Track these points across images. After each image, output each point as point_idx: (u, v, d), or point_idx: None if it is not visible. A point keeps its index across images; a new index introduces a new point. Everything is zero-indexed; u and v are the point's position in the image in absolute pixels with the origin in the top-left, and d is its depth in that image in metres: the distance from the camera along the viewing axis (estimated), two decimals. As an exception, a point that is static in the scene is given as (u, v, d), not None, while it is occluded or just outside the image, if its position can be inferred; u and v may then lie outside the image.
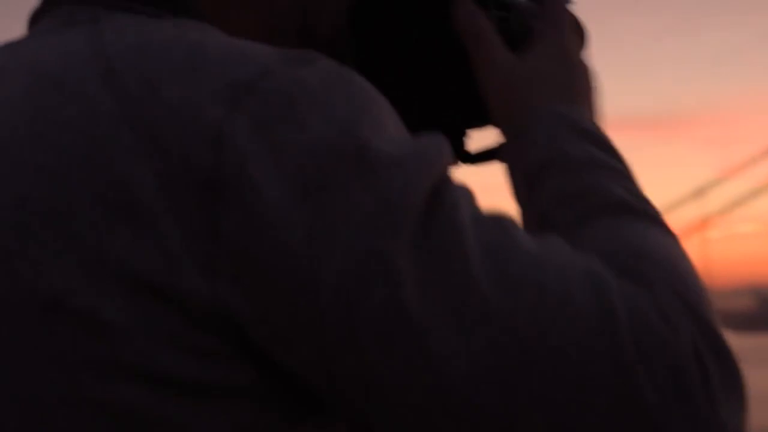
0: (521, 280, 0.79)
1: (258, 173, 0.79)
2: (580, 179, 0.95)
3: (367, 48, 1.09)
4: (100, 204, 0.80)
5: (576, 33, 1.10)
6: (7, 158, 0.85)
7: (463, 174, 1.15)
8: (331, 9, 1.06)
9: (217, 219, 0.79)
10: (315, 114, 0.81)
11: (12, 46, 0.96)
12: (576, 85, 1.06)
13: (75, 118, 0.83)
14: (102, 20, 0.92)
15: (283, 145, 0.80)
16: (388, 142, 0.81)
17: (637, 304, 0.80)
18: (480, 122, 1.11)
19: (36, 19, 0.99)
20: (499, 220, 0.82)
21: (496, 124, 1.05)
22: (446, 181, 0.82)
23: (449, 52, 1.08)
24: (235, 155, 0.80)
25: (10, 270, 0.82)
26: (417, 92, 1.10)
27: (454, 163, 0.86)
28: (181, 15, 0.95)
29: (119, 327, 0.79)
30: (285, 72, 0.82)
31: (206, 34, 0.88)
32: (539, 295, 0.79)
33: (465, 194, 0.83)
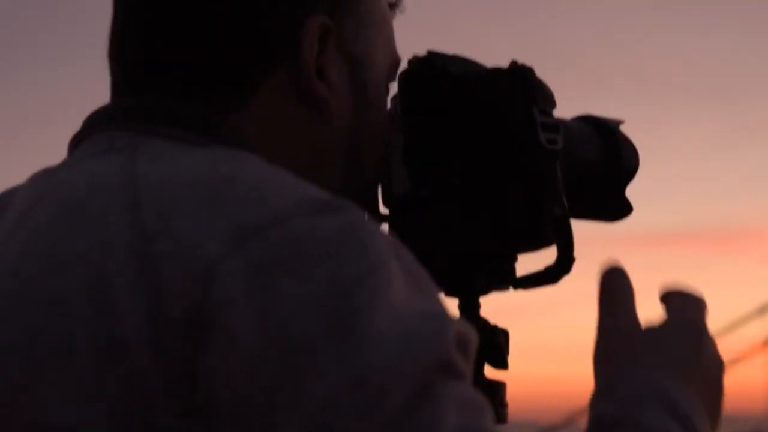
0: None
1: (239, 322, 0.78)
2: None
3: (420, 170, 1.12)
4: (98, 340, 0.81)
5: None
6: (29, 290, 0.86)
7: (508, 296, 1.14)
8: (378, 147, 1.08)
9: (196, 360, 0.79)
10: (321, 268, 0.80)
11: (49, 173, 0.97)
12: (692, 366, 0.98)
13: (90, 250, 0.84)
14: (140, 147, 0.93)
15: (276, 296, 0.79)
16: (384, 315, 0.79)
17: None
18: (529, 247, 1.13)
19: (76, 143, 1.00)
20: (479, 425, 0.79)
21: (595, 367, 1.00)
22: (441, 372, 0.79)
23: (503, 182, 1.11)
24: (222, 299, 0.79)
25: (16, 404, 0.83)
26: (466, 219, 1.12)
27: (463, 342, 0.81)
28: (223, 142, 0.95)
29: None
30: (299, 221, 0.82)
31: (241, 166, 0.88)
32: None
33: (458, 396, 0.79)
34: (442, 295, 0.84)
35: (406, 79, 1.16)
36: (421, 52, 1.15)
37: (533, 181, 1.11)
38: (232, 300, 0.79)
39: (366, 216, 0.86)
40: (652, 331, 1.00)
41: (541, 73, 1.15)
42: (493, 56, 1.18)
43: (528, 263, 1.16)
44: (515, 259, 1.15)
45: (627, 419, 0.91)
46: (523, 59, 1.16)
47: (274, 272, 0.79)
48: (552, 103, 1.14)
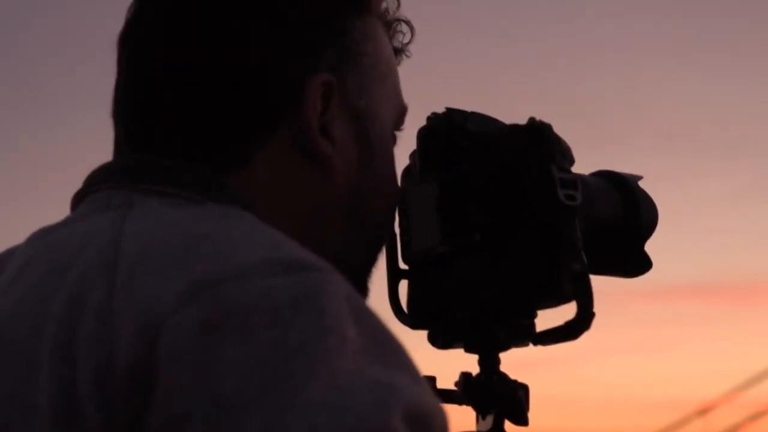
0: None
1: (176, 378, 0.77)
2: None
3: None
4: (60, 400, 0.81)
5: None
6: (12, 354, 0.86)
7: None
8: (383, 199, 1.08)
9: (140, 413, 0.78)
10: (266, 330, 0.78)
11: (46, 232, 0.97)
12: None
13: (65, 311, 0.84)
14: (135, 205, 0.93)
15: (217, 355, 0.77)
16: (323, 381, 0.76)
17: None
18: (548, 303, 1.13)
19: (78, 201, 1.00)
20: None
21: None
22: None
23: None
24: (167, 352, 0.78)
25: None
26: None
27: (415, 416, 0.77)
28: (222, 200, 0.95)
29: None
30: (256, 280, 0.80)
31: (226, 223, 0.88)
32: None
33: None
34: (411, 364, 0.81)
35: (425, 135, 1.16)
36: (439, 108, 1.16)
37: (552, 237, 1.10)
38: (174, 355, 0.78)
39: (336, 278, 0.83)
40: None
41: (559, 127, 1.15)
42: (510, 111, 1.19)
43: (548, 318, 1.16)
44: (535, 314, 1.15)
45: None
46: (541, 114, 1.16)
47: (220, 329, 0.78)
48: (570, 159, 1.14)
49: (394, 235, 1.19)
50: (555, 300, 1.13)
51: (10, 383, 0.85)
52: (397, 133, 1.15)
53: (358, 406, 0.75)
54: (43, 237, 0.97)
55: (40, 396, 0.82)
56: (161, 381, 0.78)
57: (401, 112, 1.13)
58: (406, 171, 1.20)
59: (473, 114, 1.16)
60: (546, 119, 1.15)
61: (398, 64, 1.14)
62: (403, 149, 1.18)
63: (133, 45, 1.03)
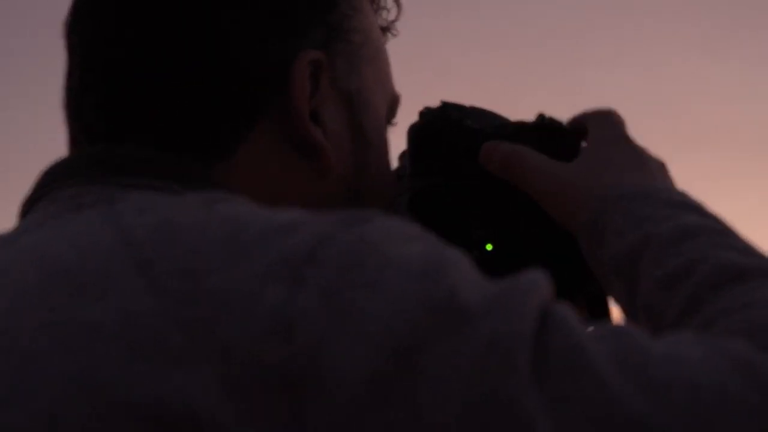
0: (668, 384, 0.69)
1: (337, 355, 0.69)
2: (677, 256, 0.85)
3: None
4: (147, 422, 0.69)
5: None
6: (34, 371, 0.72)
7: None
8: (380, 197, 0.99)
9: (303, 416, 0.69)
10: (388, 271, 0.72)
11: (7, 240, 0.84)
12: (643, 160, 0.97)
13: (107, 321, 0.72)
14: (116, 201, 0.82)
15: (362, 312, 0.70)
16: (473, 287, 0.72)
17: None
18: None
19: (29, 206, 0.88)
20: (615, 330, 0.73)
21: (569, 230, 0.96)
22: (549, 306, 0.73)
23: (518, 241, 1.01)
24: (309, 341, 0.70)
25: None
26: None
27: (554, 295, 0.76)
28: (205, 191, 0.84)
29: None
30: (344, 234, 0.74)
31: (237, 206, 0.78)
32: (693, 394, 0.69)
33: (573, 315, 0.73)
34: None
35: (417, 133, 1.03)
36: (434, 102, 1.04)
37: (566, 255, 0.97)
38: (320, 339, 0.69)
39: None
40: (582, 157, 0.98)
41: None
42: (521, 108, 1.05)
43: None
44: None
45: (643, 240, 0.87)
46: (555, 113, 1.03)
47: (348, 291, 0.71)
48: None
49: None
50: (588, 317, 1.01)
51: (44, 404, 0.70)
52: (389, 128, 1.02)
53: (520, 290, 0.73)
54: (6, 243, 0.83)
55: (114, 418, 0.69)
56: (322, 370, 0.69)
57: (393, 100, 1.02)
58: (395, 175, 1.06)
59: (472, 109, 1.03)
60: (559, 117, 1.03)
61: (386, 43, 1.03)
62: (393, 150, 1.05)
63: (89, 28, 0.93)
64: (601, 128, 1.00)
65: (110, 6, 0.92)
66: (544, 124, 1.01)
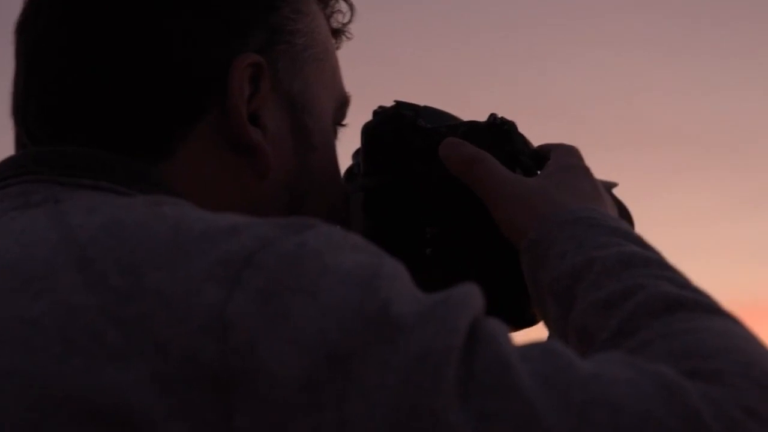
0: (590, 404, 0.70)
1: (270, 358, 0.70)
2: (617, 281, 0.86)
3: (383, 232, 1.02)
4: (82, 415, 0.70)
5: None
6: None
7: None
8: (324, 200, 0.99)
9: (231, 415, 0.70)
10: (326, 278, 0.73)
11: None
12: (596, 191, 0.99)
13: (46, 316, 0.73)
14: (63, 200, 0.83)
15: (297, 317, 0.71)
16: (407, 299, 0.74)
17: (721, 405, 0.72)
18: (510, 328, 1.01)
19: None
20: (544, 347, 0.75)
21: (514, 243, 0.97)
22: (479, 321, 0.74)
23: (473, 240, 1.01)
24: (244, 341, 0.71)
25: None
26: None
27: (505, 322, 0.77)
28: (151, 191, 0.86)
29: None
30: (285, 239, 0.75)
31: (183, 209, 0.79)
32: (615, 416, 0.70)
33: (502, 331, 0.75)
34: None
35: (370, 133, 1.03)
36: (387, 101, 1.04)
37: (516, 253, 0.97)
38: (255, 340, 0.71)
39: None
40: (540, 176, 1.00)
41: (526, 128, 1.04)
42: (477, 110, 1.06)
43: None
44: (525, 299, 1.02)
45: (582, 265, 0.89)
46: (508, 113, 1.03)
47: (285, 295, 0.72)
48: (537, 163, 1.03)
49: None
50: (516, 325, 1.01)
51: None
52: (339, 129, 1.03)
53: (450, 304, 0.75)
54: None
55: (50, 411, 0.71)
56: (255, 371, 0.70)
57: (342, 102, 1.02)
58: (348, 173, 1.07)
59: (425, 108, 1.03)
60: (522, 119, 1.04)
61: (338, 48, 1.03)
62: (346, 148, 1.06)
63: (32, 32, 0.94)
64: (562, 156, 1.02)
65: (53, 10, 0.93)
66: (495, 124, 1.01)
